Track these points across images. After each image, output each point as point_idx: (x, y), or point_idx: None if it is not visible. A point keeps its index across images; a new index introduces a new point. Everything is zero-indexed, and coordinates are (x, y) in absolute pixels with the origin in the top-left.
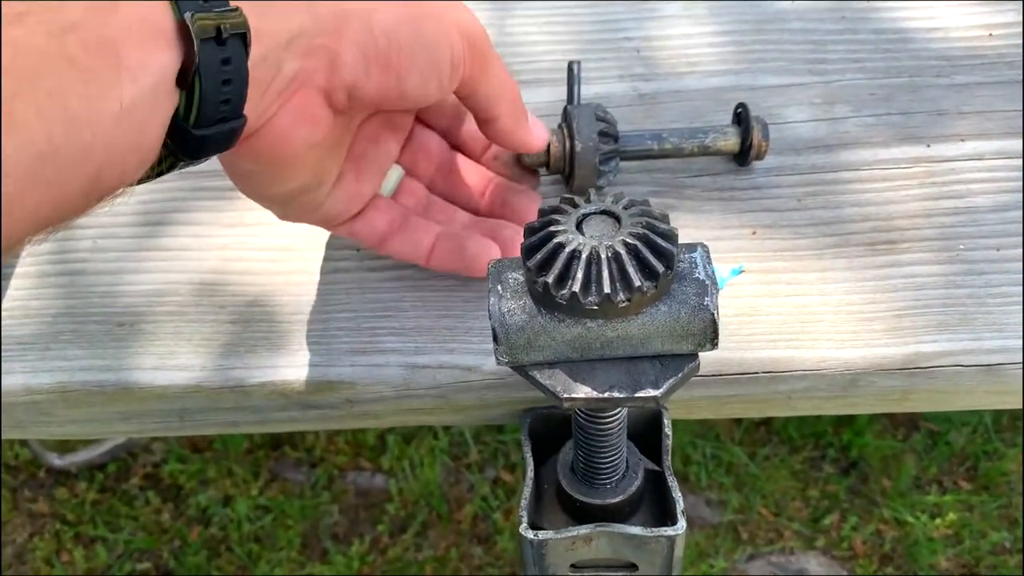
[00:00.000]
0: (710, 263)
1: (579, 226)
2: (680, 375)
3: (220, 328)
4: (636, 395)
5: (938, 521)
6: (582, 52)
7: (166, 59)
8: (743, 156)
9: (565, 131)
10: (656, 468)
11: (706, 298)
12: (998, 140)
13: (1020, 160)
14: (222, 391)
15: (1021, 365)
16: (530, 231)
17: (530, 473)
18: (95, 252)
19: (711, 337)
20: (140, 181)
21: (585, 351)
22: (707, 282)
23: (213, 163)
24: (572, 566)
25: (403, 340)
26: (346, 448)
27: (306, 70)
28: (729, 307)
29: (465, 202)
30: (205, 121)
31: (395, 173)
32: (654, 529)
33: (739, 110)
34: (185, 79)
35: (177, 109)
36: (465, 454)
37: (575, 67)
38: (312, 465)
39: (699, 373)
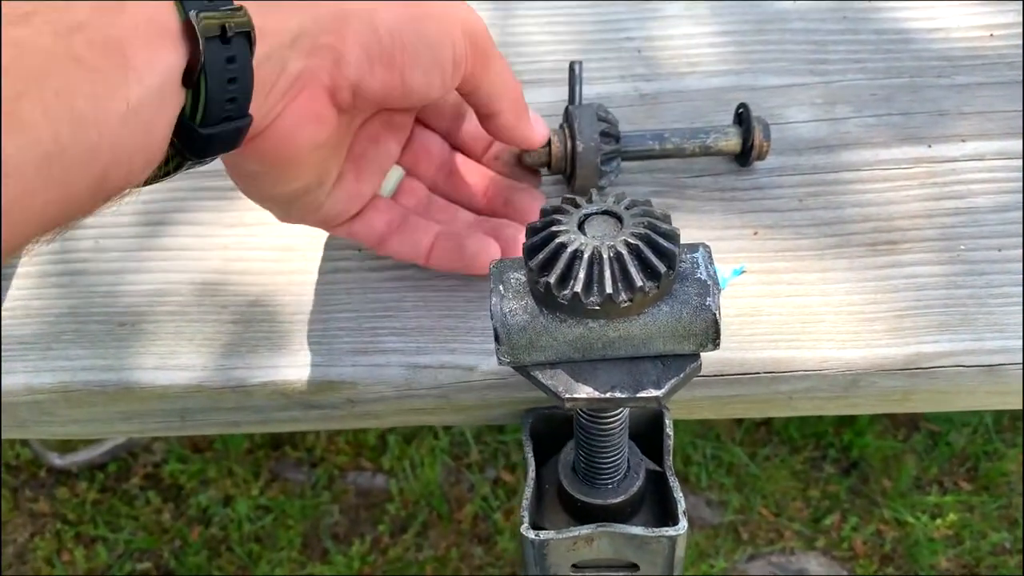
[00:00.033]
0: (712, 263)
1: (581, 226)
2: (682, 375)
3: (221, 328)
4: (638, 395)
5: (938, 521)
6: (584, 52)
7: (172, 58)
8: (744, 156)
9: (567, 131)
10: (657, 468)
11: (708, 298)
12: (999, 140)
13: (1020, 160)
14: (223, 391)
15: (1021, 365)
16: (532, 231)
17: (531, 473)
18: (97, 252)
19: (713, 337)
20: (147, 182)
21: (587, 351)
22: (709, 282)
23: (215, 163)
24: (573, 566)
25: (404, 340)
26: (347, 448)
27: (310, 69)
28: (731, 307)
29: (467, 202)
30: (211, 120)
31: (395, 174)
32: (655, 529)
33: (740, 110)
34: (191, 78)
35: (183, 108)
36: (466, 454)
37: (577, 67)
38: (313, 465)
39: (700, 373)
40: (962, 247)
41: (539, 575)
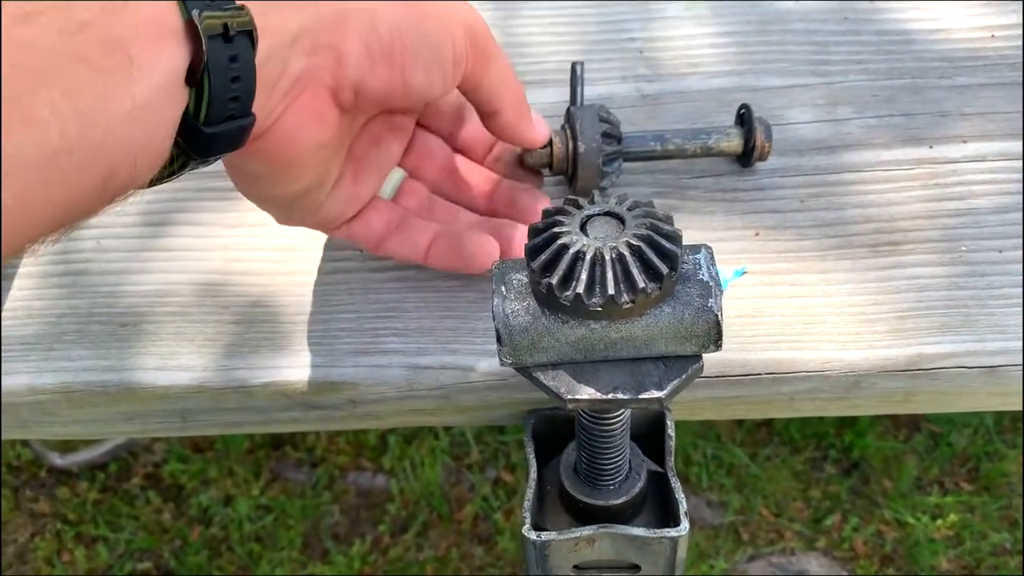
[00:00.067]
0: (714, 264)
1: (583, 227)
2: (684, 376)
3: (223, 328)
4: (640, 396)
5: (939, 522)
6: (585, 53)
7: (175, 57)
8: (746, 157)
9: (568, 132)
10: (659, 469)
11: (710, 299)
12: (1000, 142)
13: (1021, 162)
14: (225, 391)
15: (1022, 367)
16: (534, 232)
17: (533, 474)
18: (98, 252)
19: (715, 339)
20: (153, 182)
21: (589, 352)
22: (711, 283)
23: (216, 164)
24: (575, 567)
25: (406, 341)
26: (347, 448)
27: (312, 68)
28: (732, 308)
29: (470, 203)
30: (215, 119)
31: (395, 176)
32: (657, 530)
33: (742, 111)
34: (194, 77)
35: (187, 108)
36: (466, 454)
37: (578, 68)
38: (313, 465)
39: (702, 374)
40: (963, 248)
41: None
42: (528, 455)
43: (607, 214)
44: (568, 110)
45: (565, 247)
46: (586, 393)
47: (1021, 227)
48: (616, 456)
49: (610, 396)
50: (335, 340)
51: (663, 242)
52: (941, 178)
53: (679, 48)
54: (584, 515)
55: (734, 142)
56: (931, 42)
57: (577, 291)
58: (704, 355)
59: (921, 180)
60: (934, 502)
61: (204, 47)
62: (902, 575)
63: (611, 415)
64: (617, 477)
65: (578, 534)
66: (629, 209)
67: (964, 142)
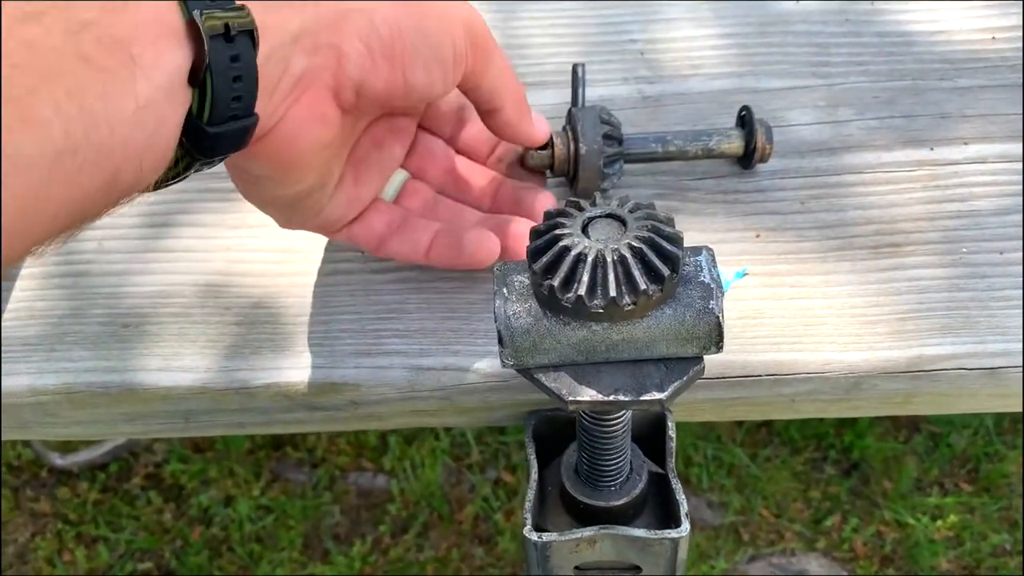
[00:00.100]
0: (715, 266)
1: (585, 229)
2: (685, 378)
3: (224, 330)
4: (641, 398)
5: (939, 523)
6: (586, 54)
7: (178, 57)
8: (747, 159)
9: (570, 133)
10: (660, 470)
11: (711, 301)
12: (1000, 143)
13: (1021, 163)
14: (227, 393)
15: (1022, 368)
16: (536, 234)
17: (534, 475)
18: (100, 253)
19: (716, 340)
20: (158, 183)
21: (590, 354)
22: (712, 285)
23: (218, 164)
24: (576, 568)
25: (407, 342)
26: (348, 449)
27: (314, 68)
28: (733, 310)
29: (475, 203)
30: (218, 118)
31: (398, 177)
32: (658, 532)
33: (743, 113)
34: (196, 78)
35: (190, 108)
36: (467, 455)
37: (579, 69)
38: (314, 465)
39: (703, 376)
40: (964, 250)
41: None
42: (529, 456)
43: (609, 216)
44: (569, 112)
45: (567, 249)
46: (587, 395)
47: (1022, 229)
48: (617, 457)
49: (611, 398)
50: (337, 341)
51: (664, 244)
52: (942, 180)
53: (680, 50)
54: (585, 516)
55: (735, 144)
56: (932, 44)
57: (579, 293)
58: (705, 357)
59: (922, 182)
60: (934, 503)
61: (206, 47)
62: None
63: (612, 416)
64: (618, 478)
65: (579, 535)
66: (630, 211)
67: (965, 144)
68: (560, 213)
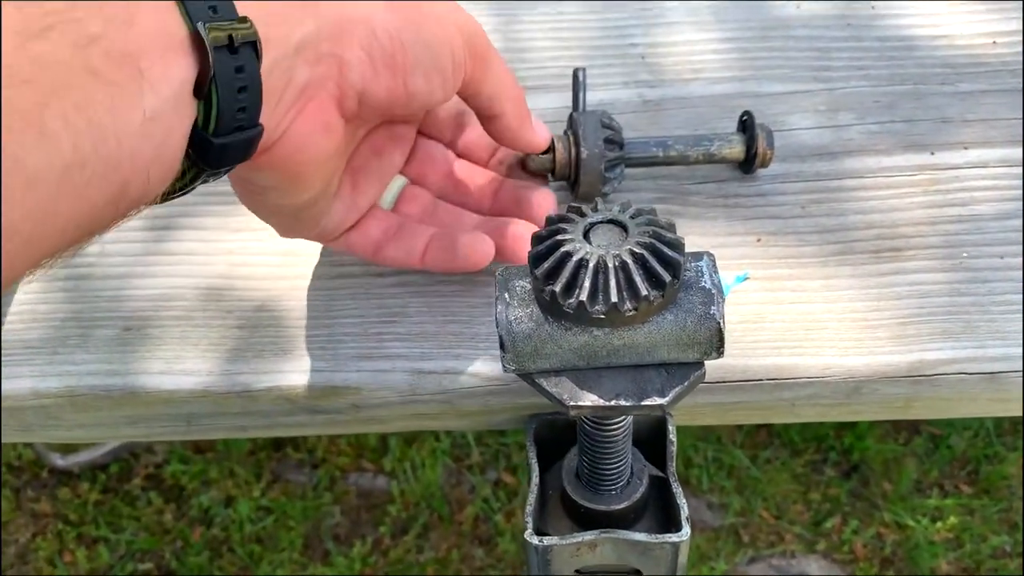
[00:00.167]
0: (716, 272)
1: (586, 235)
2: (686, 383)
3: (226, 333)
4: (642, 403)
5: (939, 525)
6: (587, 58)
7: (183, 69)
8: (748, 164)
9: (571, 138)
10: (660, 474)
11: (712, 307)
12: (1001, 148)
13: (1022, 168)
14: (229, 396)
15: (1022, 373)
16: (537, 240)
17: (535, 479)
18: (102, 256)
19: (717, 346)
20: (166, 195)
21: (591, 359)
22: (713, 291)
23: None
24: (577, 571)
25: (409, 346)
26: (348, 449)
27: (317, 78)
28: (734, 314)
29: (476, 205)
30: (224, 129)
31: (396, 184)
32: (659, 535)
33: (744, 118)
34: (201, 89)
35: (196, 120)
36: (467, 456)
37: (581, 74)
38: (314, 466)
39: (704, 380)
40: (965, 255)
41: None
42: (530, 460)
43: (610, 222)
44: (571, 116)
45: (568, 255)
46: (589, 400)
47: (1022, 233)
48: (618, 461)
49: (612, 403)
50: (338, 345)
51: (665, 250)
52: (942, 184)
53: (681, 54)
54: (586, 520)
55: (736, 149)
56: (933, 48)
57: (580, 298)
58: (706, 361)
59: (922, 186)
60: (934, 505)
61: (211, 59)
62: None
63: (613, 421)
64: (619, 482)
65: (580, 539)
66: (632, 217)
67: (966, 148)
68: (562, 219)
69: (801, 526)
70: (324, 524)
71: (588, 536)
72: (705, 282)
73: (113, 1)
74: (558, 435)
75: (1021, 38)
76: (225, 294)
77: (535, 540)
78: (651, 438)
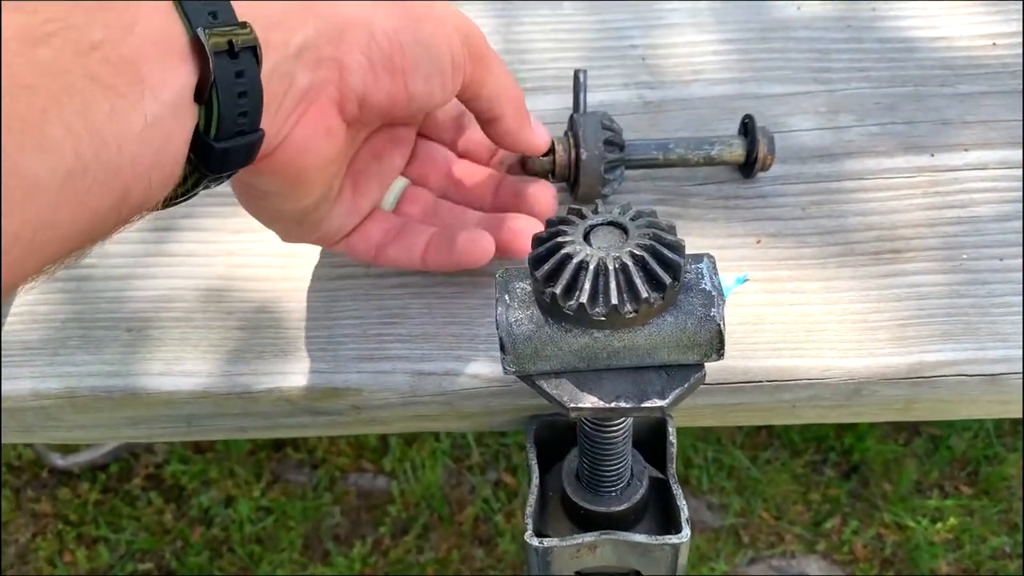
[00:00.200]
0: (716, 274)
1: (586, 237)
2: (686, 385)
3: (227, 334)
4: (642, 405)
5: (939, 525)
6: (588, 60)
7: (184, 75)
8: (748, 168)
9: (571, 139)
10: (660, 476)
11: (712, 309)
12: (1001, 150)
13: (1022, 170)
14: (229, 397)
15: (1022, 375)
16: (538, 242)
17: (535, 480)
18: (103, 257)
19: (717, 348)
20: (168, 201)
21: (592, 361)
22: (713, 293)
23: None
24: (577, 573)
25: (409, 347)
26: (348, 450)
27: (318, 83)
28: (734, 316)
29: (478, 202)
30: (225, 134)
31: (397, 185)
32: (659, 537)
33: (746, 121)
34: (202, 95)
35: (198, 125)
36: (467, 456)
37: (581, 75)
38: (314, 466)
39: (704, 382)
40: (964, 256)
41: None
42: (530, 461)
43: (610, 224)
44: (571, 117)
45: (569, 257)
46: (589, 401)
47: (1022, 235)
48: (618, 463)
49: (613, 405)
50: (339, 346)
51: (666, 252)
52: (942, 186)
53: (681, 55)
54: (586, 521)
55: (737, 152)
56: (933, 50)
57: (580, 301)
58: (706, 363)
59: (922, 188)
60: (934, 505)
61: (211, 64)
62: None
63: (613, 423)
64: (619, 484)
65: (580, 541)
66: (632, 219)
67: (965, 150)
68: (562, 221)
69: (801, 527)
70: (324, 524)
71: (588, 538)
72: (705, 284)
73: (114, 7)
74: (558, 436)
75: (1021, 40)
76: (225, 295)
77: (535, 542)
78: (651, 439)
